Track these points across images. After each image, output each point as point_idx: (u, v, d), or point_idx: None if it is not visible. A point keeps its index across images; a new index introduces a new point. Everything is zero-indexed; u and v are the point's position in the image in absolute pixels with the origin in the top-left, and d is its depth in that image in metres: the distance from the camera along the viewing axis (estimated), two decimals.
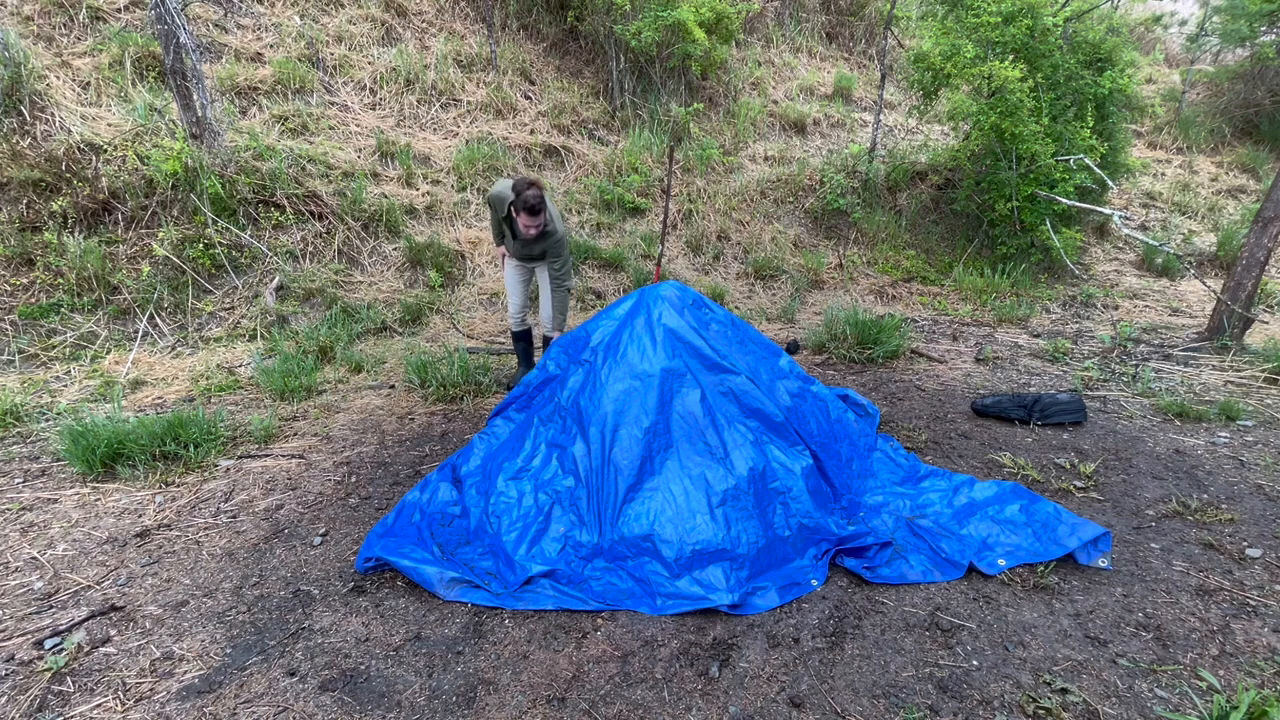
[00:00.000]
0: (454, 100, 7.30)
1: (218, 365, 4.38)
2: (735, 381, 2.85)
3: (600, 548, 2.48)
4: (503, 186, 3.71)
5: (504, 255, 4.10)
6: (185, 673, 1.94)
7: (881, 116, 8.42)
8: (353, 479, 3.13)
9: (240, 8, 6.74)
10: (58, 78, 5.29)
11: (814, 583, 2.36)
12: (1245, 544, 2.63)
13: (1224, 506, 2.93)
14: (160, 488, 2.99)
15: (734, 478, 2.55)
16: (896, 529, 2.67)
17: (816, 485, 2.73)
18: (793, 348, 5.29)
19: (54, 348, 4.34)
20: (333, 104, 6.61)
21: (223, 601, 2.25)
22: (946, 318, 6.43)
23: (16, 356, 4.21)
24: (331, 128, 6.36)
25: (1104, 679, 1.94)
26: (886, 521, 2.73)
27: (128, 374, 4.18)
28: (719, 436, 2.67)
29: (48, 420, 3.60)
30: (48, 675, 1.91)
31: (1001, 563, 2.43)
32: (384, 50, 7.22)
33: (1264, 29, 9.49)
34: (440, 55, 7.39)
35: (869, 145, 8.24)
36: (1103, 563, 2.45)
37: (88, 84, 5.42)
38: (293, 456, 3.33)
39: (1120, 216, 6.30)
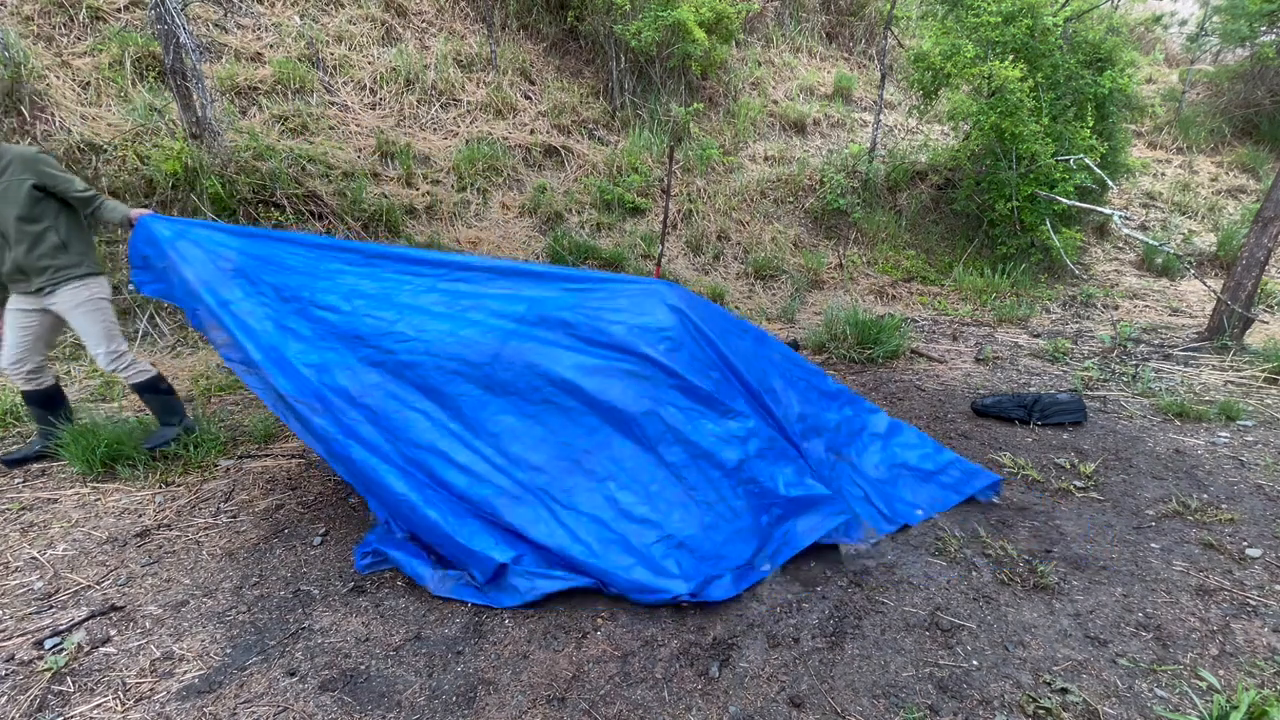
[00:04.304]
0: (454, 100, 7.30)
1: (218, 365, 4.38)
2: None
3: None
4: None
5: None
6: (185, 673, 1.94)
7: (881, 116, 8.42)
8: None
9: (240, 8, 6.74)
10: (58, 78, 5.29)
11: (766, 568, 2.37)
12: (1245, 544, 2.63)
13: (1224, 506, 2.93)
14: (160, 488, 2.99)
15: (669, 465, 2.53)
16: (834, 473, 2.86)
17: (760, 447, 2.65)
18: (792, 348, 5.29)
19: (54, 347, 4.34)
20: (333, 104, 6.61)
21: (223, 601, 2.25)
22: (946, 318, 6.43)
23: None
24: (331, 128, 6.36)
25: (1104, 679, 1.94)
26: (818, 449, 2.89)
27: None
28: (650, 428, 2.59)
29: None
30: (48, 675, 1.91)
31: (919, 513, 2.82)
32: (384, 50, 7.22)
33: (1264, 29, 9.49)
34: (440, 55, 7.38)
35: (869, 145, 8.24)
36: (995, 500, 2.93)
37: (88, 84, 5.42)
38: (293, 456, 3.32)
39: (1120, 216, 6.30)
